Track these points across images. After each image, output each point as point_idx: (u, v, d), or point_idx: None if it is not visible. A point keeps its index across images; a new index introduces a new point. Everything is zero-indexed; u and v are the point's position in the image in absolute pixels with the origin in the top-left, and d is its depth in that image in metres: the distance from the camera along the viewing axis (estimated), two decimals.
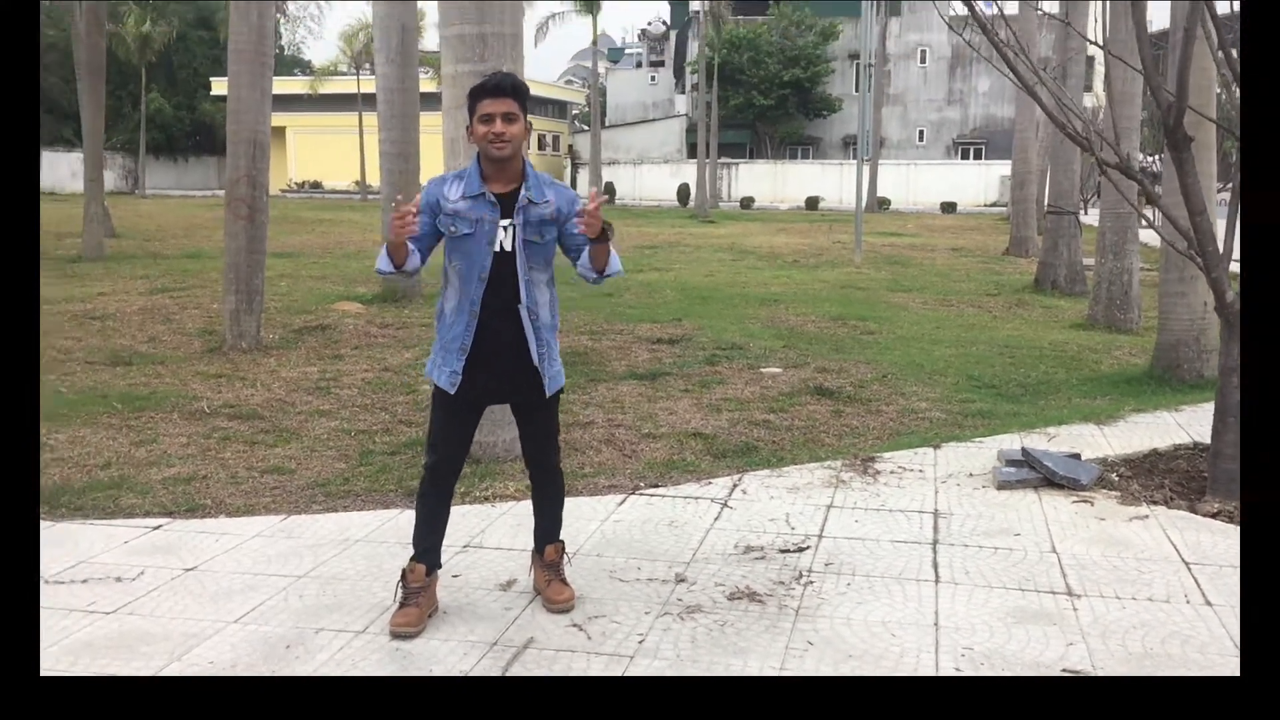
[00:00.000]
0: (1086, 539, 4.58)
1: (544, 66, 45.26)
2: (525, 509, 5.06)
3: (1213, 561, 4.31)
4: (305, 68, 62.72)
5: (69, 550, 4.48)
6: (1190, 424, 6.66)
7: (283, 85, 53.39)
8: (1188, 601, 3.92)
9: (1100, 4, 8.71)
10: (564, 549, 4.02)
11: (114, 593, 4.03)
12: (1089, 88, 43.47)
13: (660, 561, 4.34)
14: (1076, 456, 5.53)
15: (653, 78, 59.76)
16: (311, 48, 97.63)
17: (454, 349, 3.66)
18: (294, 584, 4.11)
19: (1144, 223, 7.85)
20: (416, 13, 13.22)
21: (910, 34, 51.66)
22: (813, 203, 44.46)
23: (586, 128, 58.46)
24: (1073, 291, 13.89)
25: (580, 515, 4.90)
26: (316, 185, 54.22)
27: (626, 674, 3.35)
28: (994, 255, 20.59)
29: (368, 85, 48.19)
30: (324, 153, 54.14)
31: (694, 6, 50.14)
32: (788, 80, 48.51)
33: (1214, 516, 4.86)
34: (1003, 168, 47.79)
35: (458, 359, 3.66)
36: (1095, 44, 6.04)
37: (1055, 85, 5.77)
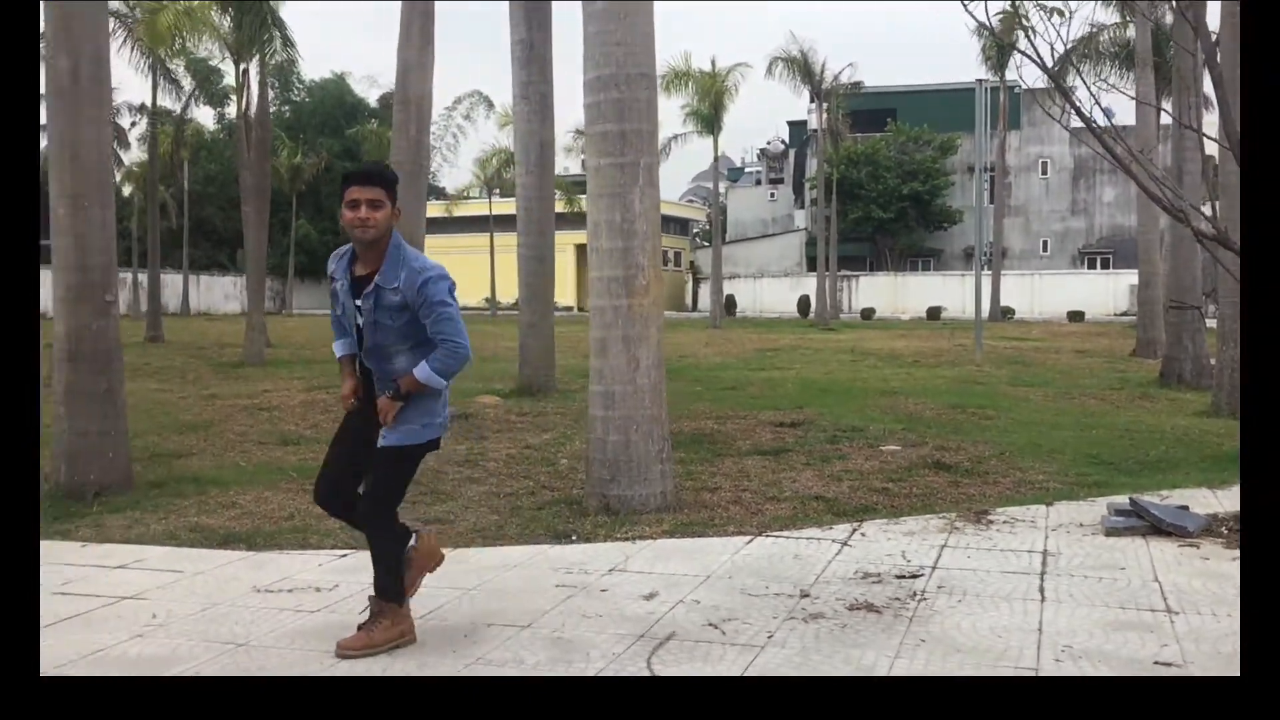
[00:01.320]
0: (1189, 573, 4.87)
1: (666, 186, 46.80)
2: (664, 546, 5.63)
3: None
4: (439, 193, 66.15)
5: (273, 570, 5.19)
6: None
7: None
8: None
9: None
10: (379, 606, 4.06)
11: (314, 598, 4.69)
12: (1168, 184, 42.86)
13: (786, 582, 4.80)
14: (1185, 508, 5.80)
15: (772, 194, 61.06)
16: (445, 175, 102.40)
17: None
18: (465, 594, 4.71)
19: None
20: (553, 129, 14.29)
21: (1031, 146, 51.89)
22: (934, 313, 44.49)
23: (707, 244, 59.90)
24: (1199, 385, 13.86)
25: (709, 550, 5.40)
26: None
27: (755, 662, 3.81)
28: (1120, 356, 20.49)
29: (499, 207, 50.77)
30: (456, 272, 56.29)
31: (812, 125, 51.50)
32: (907, 193, 49.08)
33: None
34: (1132, 277, 47.14)
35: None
36: (1208, 136, 6.46)
37: (1148, 162, 6.22)
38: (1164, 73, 24.72)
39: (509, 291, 52.58)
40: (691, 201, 71.69)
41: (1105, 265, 50.96)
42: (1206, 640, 3.94)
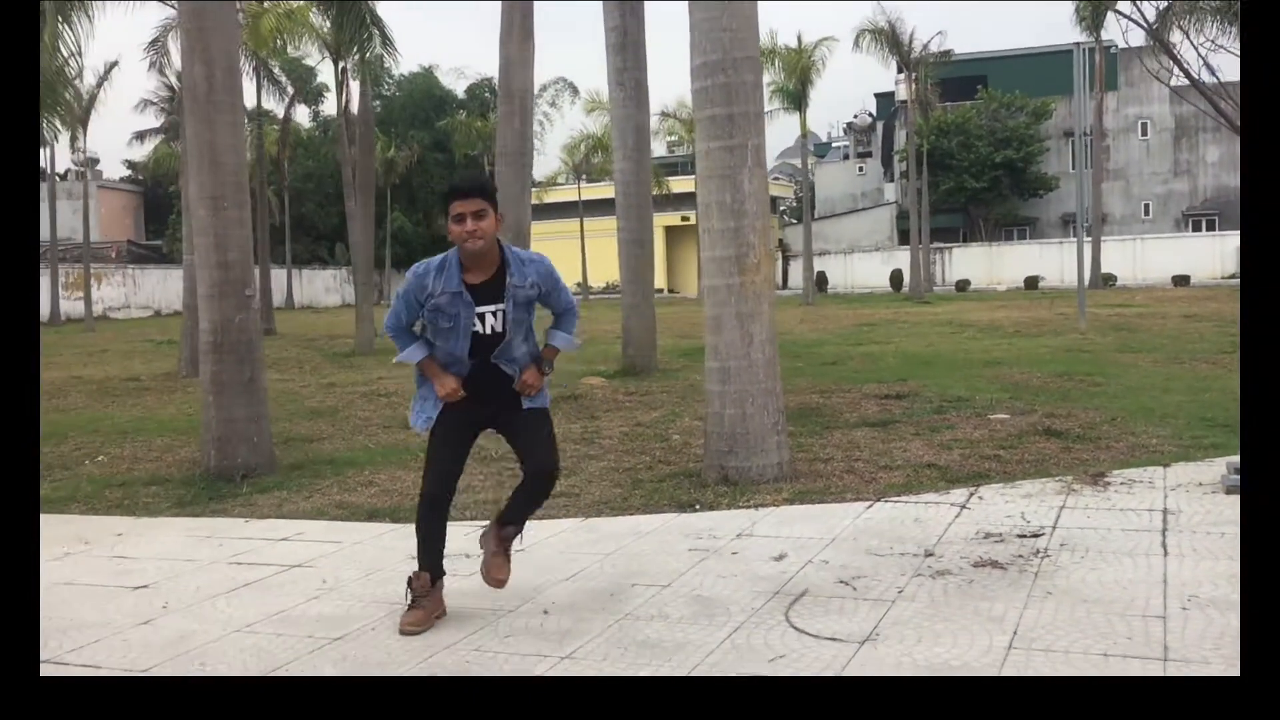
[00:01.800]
0: None
1: None
2: (787, 512, 5.87)
3: None
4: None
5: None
6: None
7: None
8: None
9: None
10: (519, 535, 4.41)
11: (467, 564, 5.04)
12: None
13: (909, 543, 5.01)
14: None
15: (860, 168, 60.46)
16: (535, 163, 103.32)
17: (432, 397, 4.26)
18: (605, 559, 5.02)
19: None
20: (649, 114, 14.54)
21: (1129, 108, 50.51)
22: (1032, 282, 43.74)
23: (795, 221, 59.60)
24: None
25: (831, 515, 5.63)
26: None
27: (888, 615, 4.03)
28: (1230, 320, 20.01)
29: (588, 192, 51.27)
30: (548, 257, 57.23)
31: (899, 96, 50.87)
32: (999, 162, 48.21)
33: None
34: (1235, 238, 45.78)
35: (434, 406, 4.25)
36: None
37: None
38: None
39: (599, 275, 53.34)
40: (778, 179, 71.31)
41: (1211, 227, 49.41)
42: None
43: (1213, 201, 50.45)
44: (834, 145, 68.67)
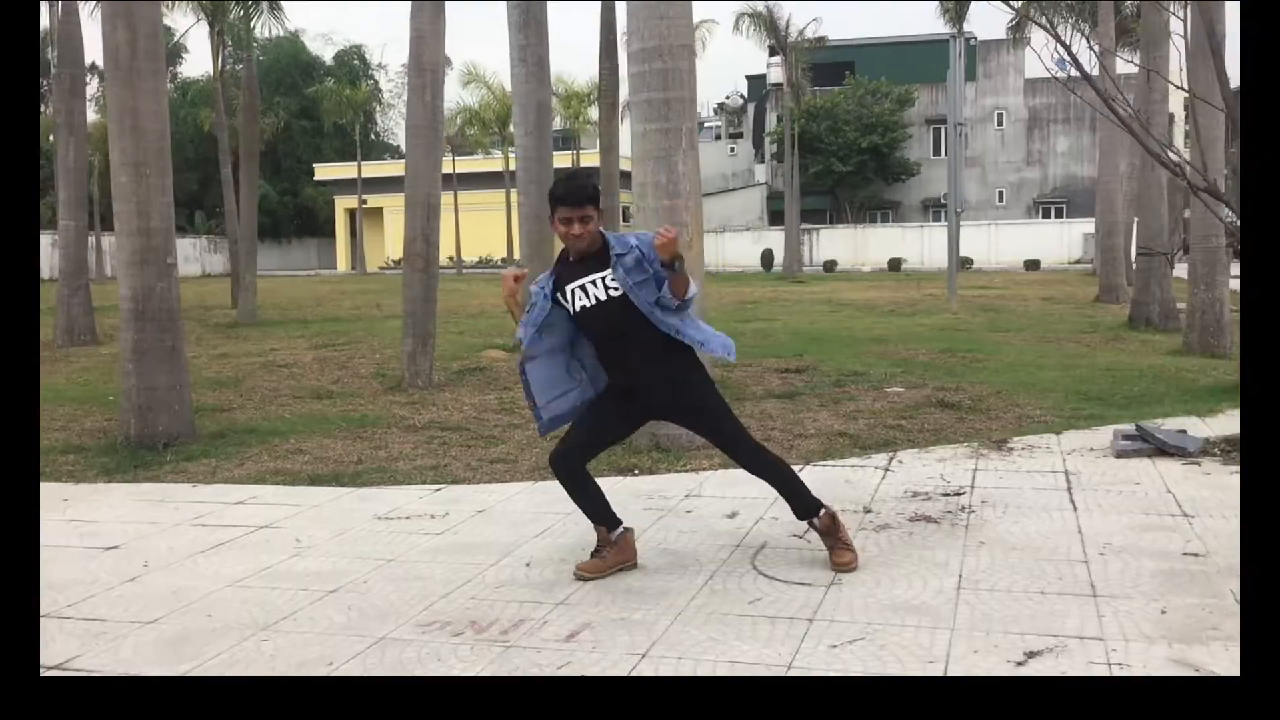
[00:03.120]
0: (1196, 485, 5.59)
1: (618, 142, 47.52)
2: (726, 475, 6.25)
3: None
4: (394, 152, 65.84)
5: (380, 503, 5.77)
6: None
7: (380, 169, 56.59)
8: None
9: (1180, 57, 9.82)
10: (834, 516, 4.45)
11: (434, 524, 5.28)
12: (1169, 144, 44.01)
13: (846, 501, 5.45)
14: (1183, 432, 6.52)
15: (732, 149, 61.47)
16: (400, 134, 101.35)
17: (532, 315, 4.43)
18: (567, 517, 5.31)
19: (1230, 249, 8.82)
20: (550, 91, 14.73)
21: (986, 98, 52.70)
22: (895, 264, 45.38)
23: None
24: (1166, 328, 14.71)
25: None
26: None
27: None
28: (1085, 302, 21.39)
29: (462, 165, 50.81)
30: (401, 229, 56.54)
31: (771, 79, 51.93)
32: (866, 146, 49.73)
33: None
34: (1085, 225, 48.40)
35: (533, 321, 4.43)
36: (1183, 89, 7.12)
37: (1145, 123, 6.87)
38: (1122, 25, 25.49)
39: (473, 249, 53.03)
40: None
41: (1059, 214, 52.09)
42: (1223, 536, 4.65)
43: (1062, 190, 53.14)
44: (706, 125, 69.61)
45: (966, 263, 43.66)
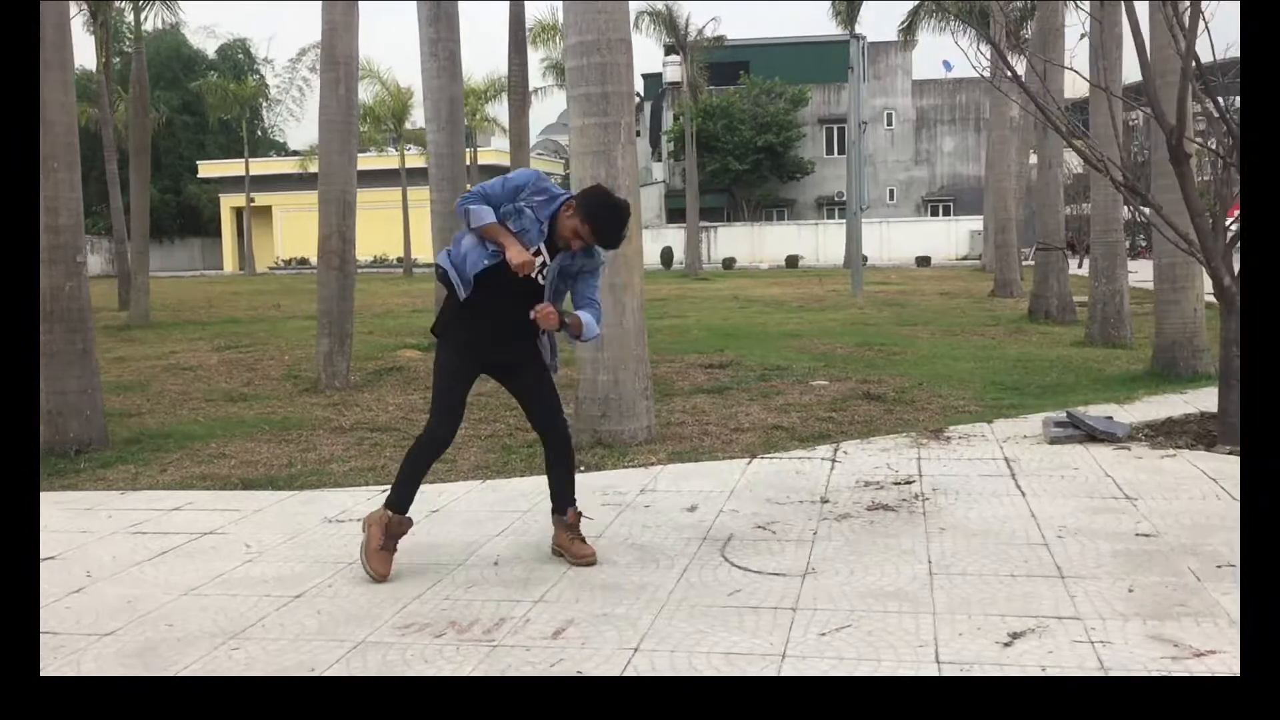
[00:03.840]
0: (1132, 469, 5.79)
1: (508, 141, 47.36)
2: (676, 469, 6.25)
3: (1231, 477, 5.52)
4: (281, 149, 64.28)
5: (325, 506, 5.61)
6: (1194, 402, 7.90)
7: (268, 166, 55.18)
8: (1218, 498, 5.12)
9: (1086, 54, 10.14)
10: (580, 514, 4.56)
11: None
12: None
13: (802, 492, 5.50)
14: (1110, 418, 6.74)
15: None
16: (291, 130, 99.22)
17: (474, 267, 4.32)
18: (525, 515, 5.24)
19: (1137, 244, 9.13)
20: (462, 86, 14.53)
21: (877, 99, 53.78)
22: (792, 261, 46.07)
23: None
24: (1064, 320, 15.24)
25: (719, 471, 6.07)
26: (304, 261, 55.33)
27: (814, 552, 4.48)
28: (980, 297, 22.00)
29: (362, 162, 49.81)
30: (310, 230, 55.14)
31: (668, 78, 52.18)
32: (761, 145, 50.33)
33: (1228, 455, 6.07)
34: (971, 223, 49.89)
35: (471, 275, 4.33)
36: (1100, 87, 7.35)
37: (1073, 121, 7.08)
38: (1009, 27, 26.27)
39: (366, 249, 52.08)
40: (541, 155, 71.56)
41: (946, 212, 53.56)
42: (1169, 516, 4.82)
43: (948, 188, 54.62)
44: None
45: (863, 259, 44.56)
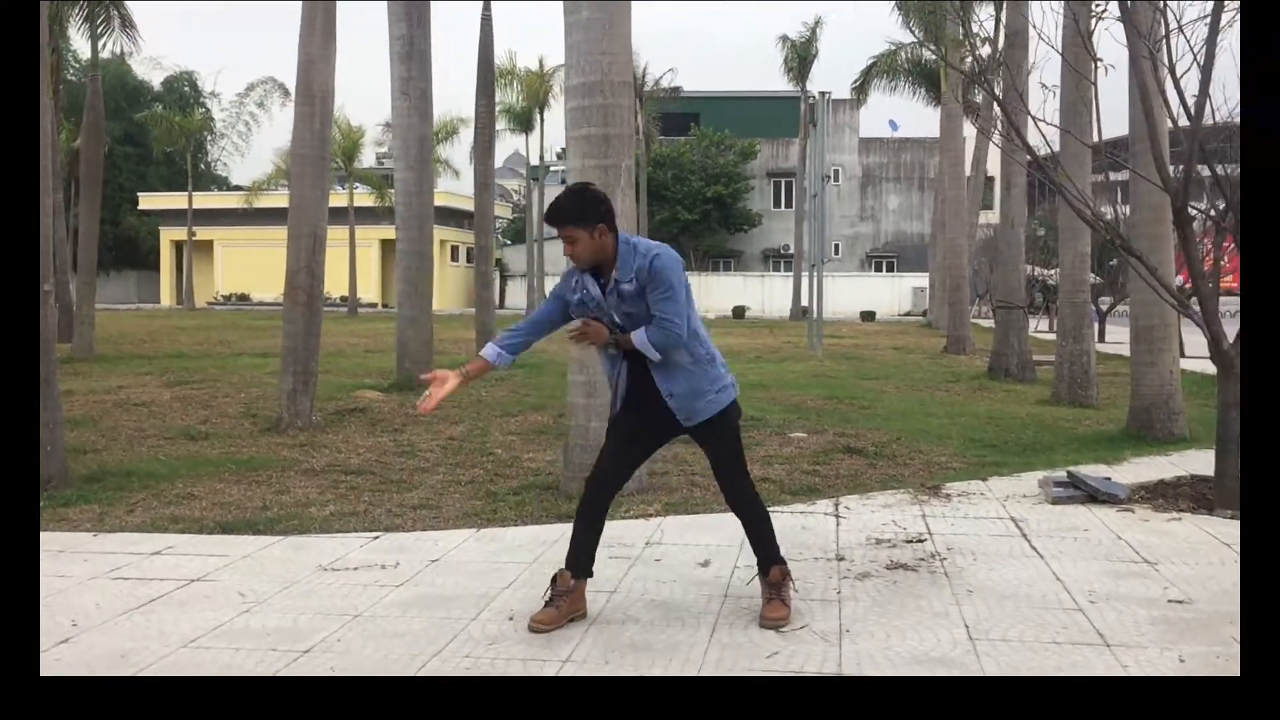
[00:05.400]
0: (1142, 532, 5.72)
1: (459, 181, 47.05)
2: (678, 521, 6.07)
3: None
4: (223, 184, 63.38)
5: (317, 553, 5.33)
6: (1181, 464, 7.90)
7: (211, 200, 54.32)
8: (1236, 563, 5.06)
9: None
10: (788, 573, 4.36)
11: (387, 575, 4.89)
12: (990, 205, 46.44)
13: (814, 549, 5.35)
14: (1109, 479, 6.70)
15: None
16: (236, 166, 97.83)
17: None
18: (531, 566, 5.02)
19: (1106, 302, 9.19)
20: (432, 125, 14.38)
21: (825, 155, 54.63)
22: (739, 312, 46.26)
23: (510, 242, 60.03)
24: (1024, 379, 15.35)
25: (725, 524, 5.86)
26: (244, 297, 54.41)
27: (844, 612, 4.32)
28: (934, 353, 22.18)
29: None
30: (252, 266, 54.48)
31: None
32: (710, 196, 50.74)
33: (1230, 520, 6.04)
34: (914, 279, 50.64)
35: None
36: (1117, 159, 7.40)
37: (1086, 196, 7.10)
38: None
39: (326, 287, 51.33)
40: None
41: (890, 268, 54.32)
42: (1196, 583, 4.74)
43: (892, 245, 55.47)
44: (553, 169, 69.78)
45: (807, 312, 44.89)
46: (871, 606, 4.42)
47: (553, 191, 61.92)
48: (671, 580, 4.81)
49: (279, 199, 49.92)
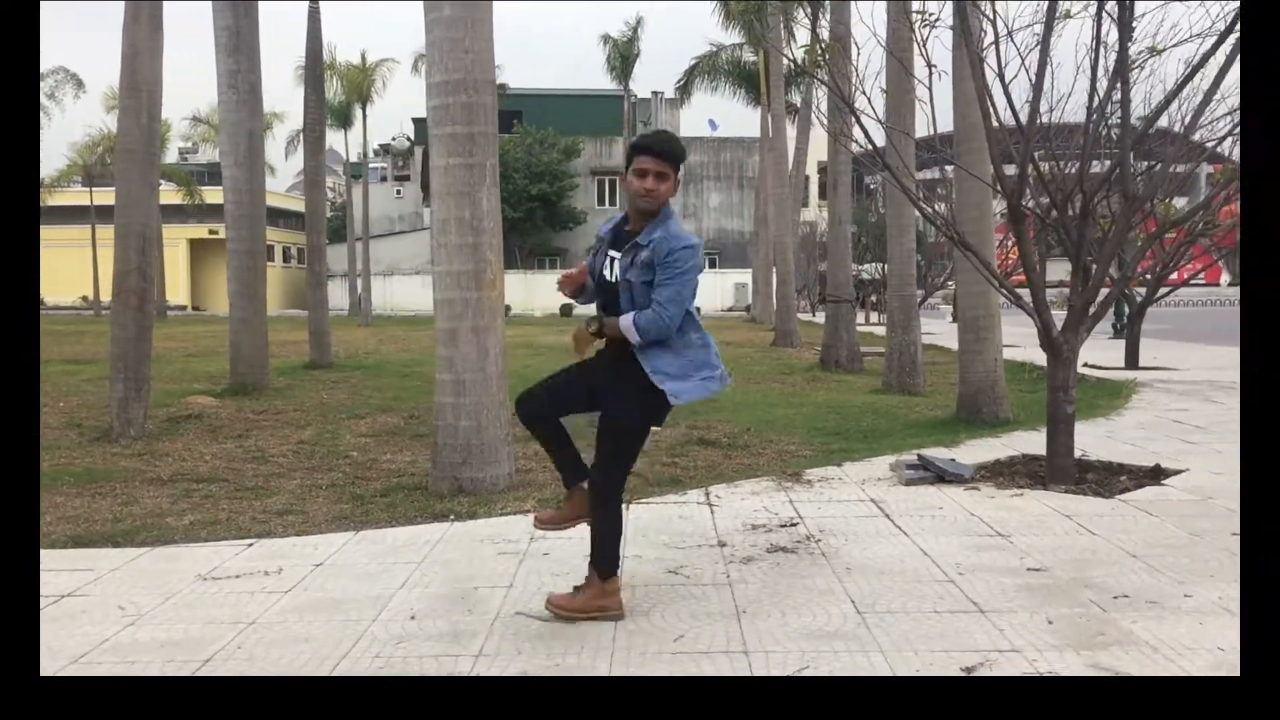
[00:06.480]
0: (990, 508, 6.13)
1: (279, 178, 45.66)
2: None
3: (1081, 514, 5.95)
4: None
5: (193, 563, 5.14)
6: (1011, 445, 8.46)
7: None
8: (1079, 534, 5.50)
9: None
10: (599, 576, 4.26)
11: (274, 581, 4.78)
12: (806, 203, 48.15)
13: (695, 536, 5.51)
14: (954, 460, 7.14)
15: (398, 191, 60.68)
16: None
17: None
18: (420, 566, 4.99)
19: (940, 291, 9.74)
20: (262, 120, 13.93)
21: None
22: (567, 310, 46.42)
23: (328, 240, 58.31)
24: (854, 369, 16.04)
25: None
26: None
27: (736, 595, 4.49)
28: (764, 346, 22.87)
29: (101, 197, 46.57)
30: (49, 267, 51.14)
31: None
32: (535, 194, 50.70)
33: (1064, 494, 6.53)
34: (736, 276, 52.01)
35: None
36: (948, 158, 7.84)
37: (921, 191, 7.51)
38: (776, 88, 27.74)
39: (50, 289, 48.68)
40: (300, 195, 69.26)
41: (712, 265, 55.50)
42: (1048, 552, 5.13)
43: (714, 242, 56.69)
44: (371, 166, 68.26)
45: None
46: (761, 588, 4.60)
47: (378, 189, 60.71)
48: (565, 572, 4.87)
49: (74, 196, 47.23)
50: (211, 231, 51.38)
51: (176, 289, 54.51)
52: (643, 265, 4.03)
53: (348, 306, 46.56)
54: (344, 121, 40.71)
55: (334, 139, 45.37)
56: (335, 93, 35.57)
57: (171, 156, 53.80)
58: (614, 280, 4.13)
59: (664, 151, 4.01)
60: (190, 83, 47.88)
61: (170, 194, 43.46)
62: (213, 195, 46.64)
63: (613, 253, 4.18)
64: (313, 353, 17.65)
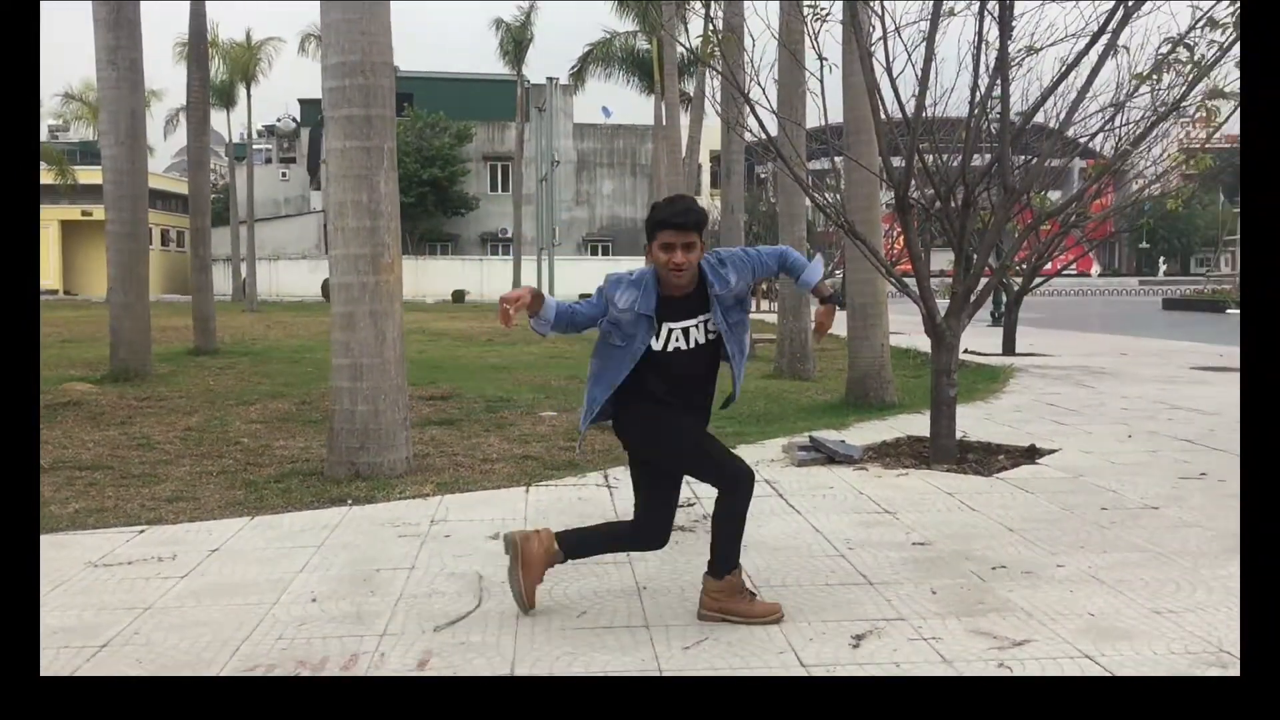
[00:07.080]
0: (878, 487, 6.37)
1: (156, 159, 44.16)
2: (457, 499, 6.16)
3: (962, 491, 6.23)
4: None
5: (81, 551, 5.04)
6: (897, 427, 8.77)
7: None
8: (960, 510, 5.76)
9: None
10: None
11: (168, 566, 4.72)
12: (699, 191, 48.63)
13: (595, 518, 5.60)
14: (843, 442, 7.38)
15: (284, 174, 59.27)
16: None
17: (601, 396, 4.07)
18: (319, 550, 4.98)
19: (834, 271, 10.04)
20: (144, 97, 13.50)
21: (541, 140, 55.19)
22: (459, 296, 46.09)
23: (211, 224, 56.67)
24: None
25: (502, 500, 6.07)
26: None
27: (638, 571, 4.61)
28: None
29: None
30: None
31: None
32: (426, 179, 50.04)
33: (946, 473, 6.82)
34: (629, 262, 52.13)
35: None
36: (839, 148, 8.07)
37: (811, 179, 7.71)
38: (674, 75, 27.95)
39: None
40: (180, 177, 67.20)
41: (606, 252, 55.65)
42: (931, 527, 5.37)
43: (607, 229, 56.84)
44: (256, 149, 66.46)
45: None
46: (660, 566, 4.72)
47: (263, 171, 59.15)
48: (467, 554, 4.92)
49: None
50: (85, 213, 49.47)
51: (48, 272, 52.35)
52: (735, 300, 3.93)
53: (231, 291, 45.35)
54: (227, 101, 39.56)
55: (216, 120, 43.98)
56: (218, 71, 34.51)
57: (42, 135, 51.70)
58: (701, 344, 3.96)
59: (686, 223, 3.80)
60: (64, 59, 46.04)
61: (42, 174, 41.73)
62: (86, 175, 45.07)
63: (671, 325, 3.91)
64: (197, 338, 17.21)
